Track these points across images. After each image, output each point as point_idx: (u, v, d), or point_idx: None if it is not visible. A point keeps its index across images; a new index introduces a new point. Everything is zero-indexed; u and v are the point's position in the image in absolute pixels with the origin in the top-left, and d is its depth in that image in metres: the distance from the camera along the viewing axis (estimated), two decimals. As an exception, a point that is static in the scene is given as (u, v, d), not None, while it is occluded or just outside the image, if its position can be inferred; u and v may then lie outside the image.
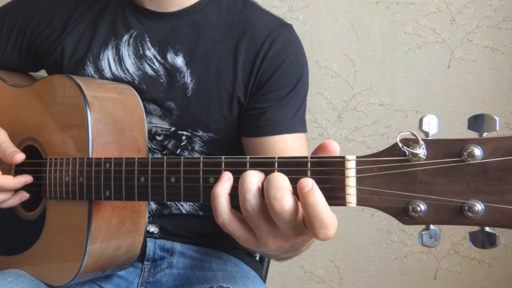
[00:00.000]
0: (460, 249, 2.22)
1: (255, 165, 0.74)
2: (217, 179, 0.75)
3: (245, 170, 0.73)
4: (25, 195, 1.10)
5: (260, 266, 1.38)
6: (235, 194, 0.73)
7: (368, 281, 2.30)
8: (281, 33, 1.17)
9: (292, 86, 1.16)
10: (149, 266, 1.22)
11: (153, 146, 1.20)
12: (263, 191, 0.70)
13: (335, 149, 0.71)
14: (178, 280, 1.21)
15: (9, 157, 1.07)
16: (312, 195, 0.67)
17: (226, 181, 0.74)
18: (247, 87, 1.15)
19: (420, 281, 2.26)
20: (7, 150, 1.08)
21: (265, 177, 0.71)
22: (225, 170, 0.76)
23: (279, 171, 0.72)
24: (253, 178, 0.71)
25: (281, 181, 0.68)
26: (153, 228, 1.21)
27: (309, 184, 0.67)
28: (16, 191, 1.09)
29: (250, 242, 0.76)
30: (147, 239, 1.21)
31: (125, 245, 1.08)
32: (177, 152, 1.19)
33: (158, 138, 1.19)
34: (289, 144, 1.15)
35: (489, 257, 2.21)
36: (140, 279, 1.21)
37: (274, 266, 2.28)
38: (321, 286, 2.34)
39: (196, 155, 1.19)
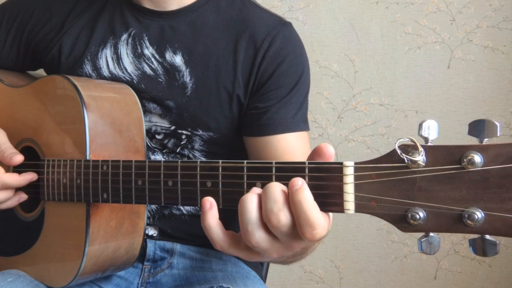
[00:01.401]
0: (460, 249, 2.21)
1: (252, 170, 0.73)
2: (214, 184, 0.75)
3: (242, 175, 0.73)
4: (23, 196, 1.10)
5: (260, 266, 1.38)
6: (228, 199, 0.73)
7: (368, 281, 2.30)
8: (280, 31, 1.16)
9: (293, 84, 1.15)
10: (149, 267, 1.22)
11: (153, 145, 1.19)
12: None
13: (329, 152, 0.70)
14: (178, 281, 1.21)
15: (7, 158, 1.06)
16: (300, 193, 0.66)
17: (209, 210, 0.72)
18: (247, 86, 1.14)
19: (420, 281, 2.26)
20: (6, 151, 1.08)
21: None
22: (222, 175, 0.76)
23: (276, 176, 0.71)
24: (252, 206, 0.69)
25: (277, 193, 0.68)
26: (152, 231, 1.21)
27: (298, 183, 0.67)
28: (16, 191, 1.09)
29: (252, 258, 0.75)
30: (147, 239, 1.21)
31: (124, 246, 1.08)
32: (177, 151, 1.19)
33: (158, 137, 1.18)
34: (292, 143, 1.14)
35: (489, 257, 2.20)
36: (140, 279, 1.21)
37: (274, 266, 2.28)
38: (321, 286, 2.34)
39: (197, 153, 1.19)
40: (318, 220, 0.66)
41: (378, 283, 2.29)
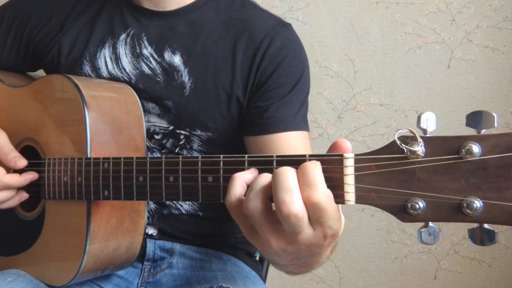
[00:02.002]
0: (460, 249, 2.21)
1: (253, 164, 0.73)
2: (215, 178, 0.75)
3: (243, 169, 0.73)
4: (24, 195, 1.10)
5: (260, 266, 1.38)
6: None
7: (368, 281, 2.30)
8: (280, 32, 1.16)
9: (294, 83, 1.15)
10: (149, 266, 1.22)
11: (152, 145, 1.19)
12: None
13: (347, 147, 0.70)
14: (178, 280, 1.21)
15: (11, 162, 1.07)
16: (309, 162, 0.67)
17: (249, 173, 0.73)
18: (246, 86, 1.14)
19: (420, 281, 2.26)
20: (9, 154, 1.08)
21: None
22: (223, 169, 0.76)
23: None
24: (260, 179, 0.70)
25: (290, 182, 0.66)
26: (151, 230, 1.21)
27: (313, 162, 0.68)
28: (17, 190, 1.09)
29: (252, 236, 0.74)
30: (147, 239, 1.21)
31: (124, 244, 1.08)
32: (176, 151, 1.19)
33: (157, 137, 1.18)
34: (293, 142, 1.13)
35: (489, 257, 2.21)
36: (140, 279, 1.21)
37: (274, 266, 2.27)
38: (321, 286, 2.34)
39: (195, 154, 1.19)
40: (320, 182, 0.66)
41: (378, 283, 2.29)
